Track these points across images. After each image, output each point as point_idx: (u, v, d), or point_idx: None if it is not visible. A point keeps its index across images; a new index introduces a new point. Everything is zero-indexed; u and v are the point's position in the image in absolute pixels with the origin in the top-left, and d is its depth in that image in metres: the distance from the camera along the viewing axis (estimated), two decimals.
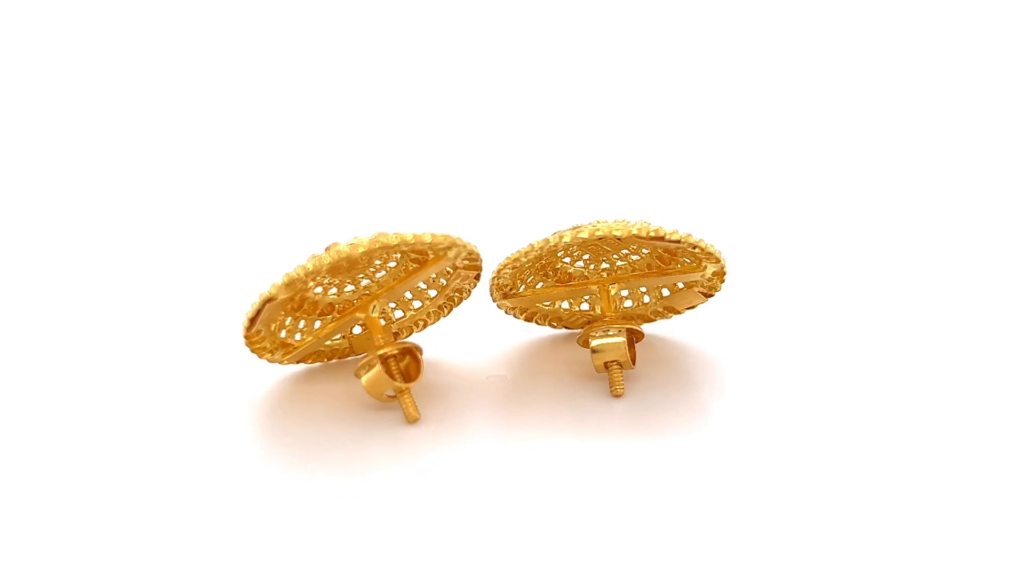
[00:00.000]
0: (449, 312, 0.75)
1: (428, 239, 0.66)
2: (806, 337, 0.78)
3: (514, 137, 1.07)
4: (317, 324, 0.73)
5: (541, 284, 0.76)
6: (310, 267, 0.64)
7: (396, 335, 0.75)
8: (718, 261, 0.72)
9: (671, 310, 0.78)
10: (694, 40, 1.24)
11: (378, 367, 0.69)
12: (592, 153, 1.04)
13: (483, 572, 0.61)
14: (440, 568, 0.61)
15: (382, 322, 0.74)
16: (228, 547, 0.62)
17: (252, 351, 0.70)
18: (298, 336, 0.73)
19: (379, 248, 0.65)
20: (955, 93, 1.13)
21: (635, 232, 0.68)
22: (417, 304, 0.75)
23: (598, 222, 0.70)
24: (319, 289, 0.72)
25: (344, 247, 0.65)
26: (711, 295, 0.76)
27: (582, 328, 0.78)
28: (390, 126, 1.08)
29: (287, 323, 0.72)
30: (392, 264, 0.71)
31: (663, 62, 1.20)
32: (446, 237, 0.67)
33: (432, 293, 0.74)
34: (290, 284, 0.65)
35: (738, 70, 1.18)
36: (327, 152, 1.04)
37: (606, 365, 0.72)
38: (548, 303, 0.78)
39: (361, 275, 0.72)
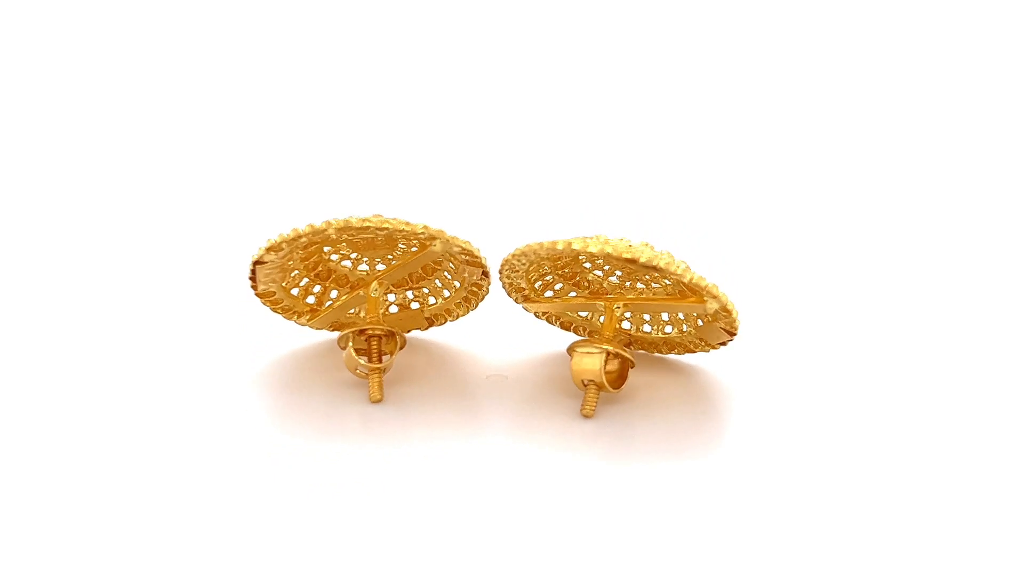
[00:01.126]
0: (475, 306, 0.75)
1: (402, 227, 0.67)
2: (811, 386, 0.74)
3: (544, 144, 1.05)
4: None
5: (574, 293, 0.74)
6: (288, 236, 0.68)
7: (430, 321, 0.77)
8: (715, 297, 0.66)
9: (707, 343, 0.73)
10: (721, 50, 1.20)
11: (350, 346, 0.71)
12: (622, 170, 1.01)
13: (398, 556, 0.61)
14: (368, 549, 0.61)
15: (420, 305, 0.76)
16: (219, 523, 0.62)
17: (274, 311, 0.75)
18: (327, 304, 0.76)
19: (348, 228, 0.67)
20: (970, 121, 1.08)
21: (609, 251, 0.65)
22: (447, 293, 0.76)
23: (596, 236, 0.67)
24: (347, 263, 0.75)
25: (320, 224, 0.67)
26: (733, 333, 0.70)
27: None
28: (425, 124, 1.08)
29: (315, 290, 0.75)
30: (415, 249, 0.73)
31: (690, 74, 1.16)
32: (426, 228, 0.67)
33: (456, 284, 0.75)
34: (272, 249, 0.68)
35: (762, 91, 1.14)
36: (374, 152, 1.05)
37: (584, 383, 0.70)
38: (586, 314, 0.75)
39: (389, 255, 0.74)
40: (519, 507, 0.64)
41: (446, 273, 0.74)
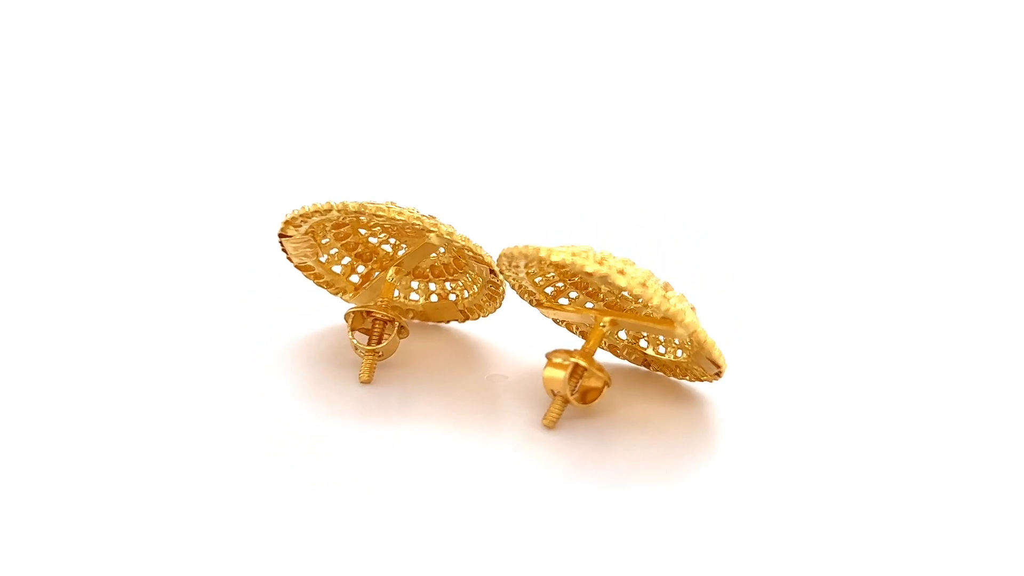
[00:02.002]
0: (499, 303, 0.75)
1: (394, 215, 0.68)
2: (800, 428, 0.70)
3: (568, 151, 1.04)
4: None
5: (591, 304, 0.73)
6: (299, 211, 0.71)
7: (464, 314, 0.77)
8: (680, 323, 0.63)
9: (704, 372, 0.69)
10: (725, 56, 1.19)
11: (348, 325, 0.73)
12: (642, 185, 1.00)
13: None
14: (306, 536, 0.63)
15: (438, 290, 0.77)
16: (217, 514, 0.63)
17: (318, 286, 0.78)
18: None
19: (345, 211, 0.69)
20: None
21: (569, 262, 0.63)
22: (475, 288, 0.76)
23: (571, 246, 0.65)
24: (387, 247, 0.76)
25: (323, 204, 0.70)
26: (717, 365, 0.66)
27: (631, 362, 0.73)
28: (456, 127, 1.08)
29: (359, 269, 0.78)
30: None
31: (694, 79, 1.15)
32: (420, 219, 0.68)
33: (482, 280, 0.75)
34: (289, 223, 0.72)
35: (760, 104, 1.13)
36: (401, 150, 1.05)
37: (552, 392, 0.68)
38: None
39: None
40: (468, 505, 0.64)
41: (474, 269, 0.74)
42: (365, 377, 0.72)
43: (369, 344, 0.72)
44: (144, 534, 0.61)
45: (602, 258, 0.63)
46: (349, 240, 0.76)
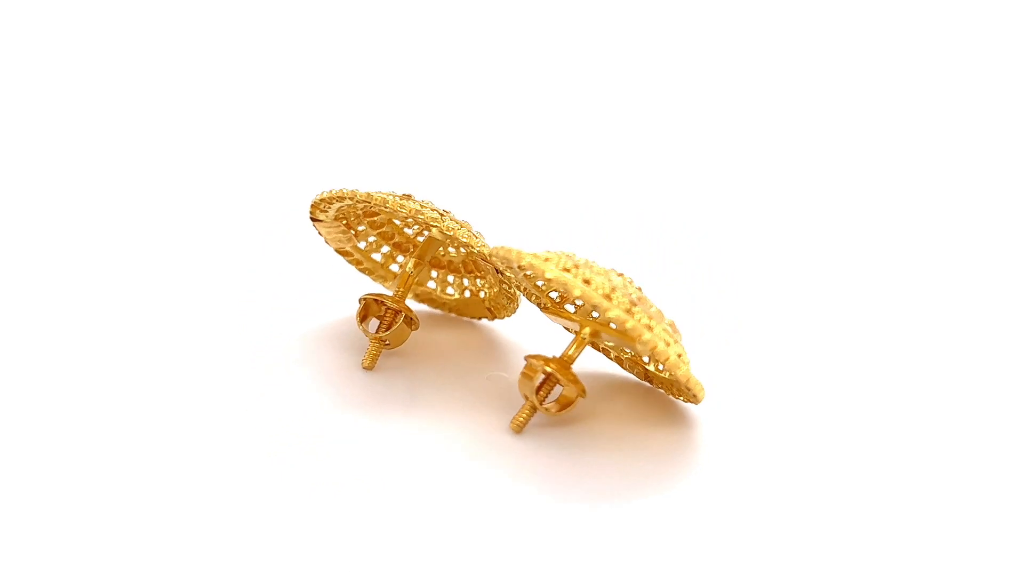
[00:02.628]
0: (517, 303, 0.75)
1: (397, 208, 0.69)
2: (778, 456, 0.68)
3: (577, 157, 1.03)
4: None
5: (596, 313, 0.71)
6: (321, 195, 0.73)
7: (491, 312, 0.77)
8: (639, 338, 0.61)
9: (690, 396, 0.67)
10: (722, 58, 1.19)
11: (359, 309, 0.74)
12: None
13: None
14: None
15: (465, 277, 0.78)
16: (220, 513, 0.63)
17: (360, 272, 0.80)
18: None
19: (354, 197, 0.70)
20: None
21: (532, 265, 0.62)
22: (497, 288, 0.76)
23: (550, 251, 0.65)
24: (421, 238, 0.78)
25: (337, 191, 0.72)
26: (689, 389, 0.64)
27: (635, 376, 0.72)
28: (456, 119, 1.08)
29: (398, 259, 0.79)
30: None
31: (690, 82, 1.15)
32: (423, 212, 0.69)
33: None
34: (315, 206, 0.74)
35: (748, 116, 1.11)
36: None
37: (525, 397, 0.67)
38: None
39: None
40: (453, 509, 0.64)
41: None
42: (367, 363, 0.74)
43: (378, 331, 0.73)
44: (144, 534, 0.62)
45: (574, 265, 0.62)
46: (384, 229, 0.77)
